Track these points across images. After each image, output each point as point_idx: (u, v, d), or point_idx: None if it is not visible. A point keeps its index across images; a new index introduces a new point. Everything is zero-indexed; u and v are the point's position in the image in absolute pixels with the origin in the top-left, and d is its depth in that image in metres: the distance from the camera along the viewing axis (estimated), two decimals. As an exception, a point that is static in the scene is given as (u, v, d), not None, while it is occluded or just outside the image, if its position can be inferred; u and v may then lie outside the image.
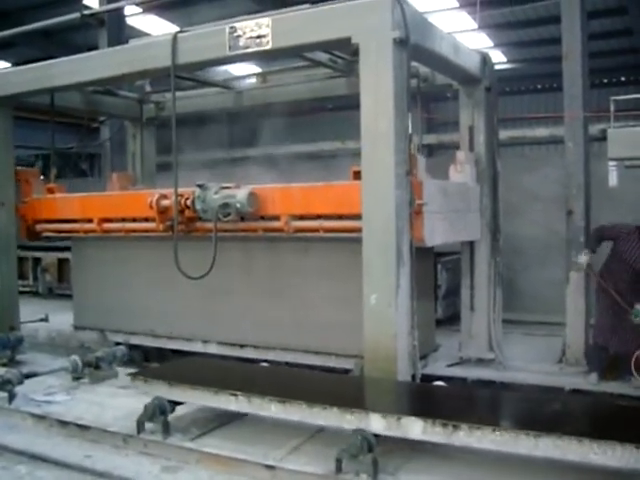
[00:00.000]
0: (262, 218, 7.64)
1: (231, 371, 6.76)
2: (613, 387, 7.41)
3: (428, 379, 6.83)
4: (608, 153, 5.65)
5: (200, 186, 7.59)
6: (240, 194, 7.38)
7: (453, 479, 4.68)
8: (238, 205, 7.35)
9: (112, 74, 7.93)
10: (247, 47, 6.69)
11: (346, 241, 7.11)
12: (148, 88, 10.74)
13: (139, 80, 10.18)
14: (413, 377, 6.36)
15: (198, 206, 7.58)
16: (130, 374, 6.17)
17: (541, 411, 5.03)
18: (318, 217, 7.30)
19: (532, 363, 8.29)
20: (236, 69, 11.88)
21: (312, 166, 13.42)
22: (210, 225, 7.55)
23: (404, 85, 6.20)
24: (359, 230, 6.35)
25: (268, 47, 6.61)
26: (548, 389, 7.55)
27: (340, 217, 7.12)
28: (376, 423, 4.75)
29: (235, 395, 5.39)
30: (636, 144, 5.70)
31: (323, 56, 7.98)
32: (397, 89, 6.06)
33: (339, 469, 4.70)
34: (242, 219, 7.60)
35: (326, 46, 7.24)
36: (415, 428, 4.62)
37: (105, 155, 13.49)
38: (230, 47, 6.78)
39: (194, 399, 5.70)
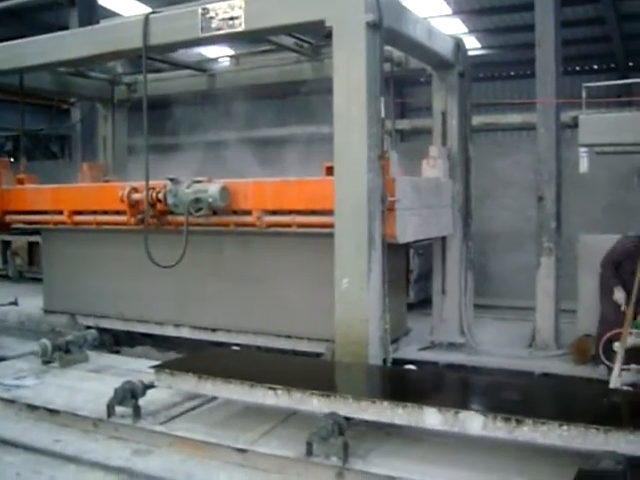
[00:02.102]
0: (234, 213, 7.61)
1: (252, 362, 6.55)
2: (582, 371, 7.49)
3: (399, 363, 6.87)
4: (579, 139, 5.69)
5: (172, 180, 7.52)
6: (212, 189, 7.34)
7: (422, 461, 4.69)
8: (210, 200, 7.31)
9: (83, 55, 7.83)
10: (219, 29, 6.64)
11: (319, 236, 7.07)
12: (120, 69, 10.63)
13: (110, 61, 10.06)
14: (384, 361, 6.39)
15: (170, 200, 7.51)
16: (154, 367, 5.88)
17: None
18: (291, 212, 7.29)
19: (503, 347, 8.39)
20: (209, 51, 11.78)
21: (289, 150, 13.37)
22: (182, 219, 7.52)
23: (377, 69, 6.19)
24: (332, 226, 6.36)
25: (241, 29, 6.56)
26: (518, 373, 7.63)
27: (313, 212, 7.11)
28: (431, 418, 4.59)
29: (274, 389, 5.16)
30: (606, 131, 5.74)
31: (289, 40, 7.95)
32: (370, 73, 6.06)
33: (310, 452, 4.70)
34: (214, 213, 7.57)
35: (299, 29, 7.22)
36: (475, 423, 4.48)
37: (76, 137, 13.33)
38: (202, 29, 6.72)
39: (227, 393, 5.46)
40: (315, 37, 8.04)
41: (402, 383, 5.70)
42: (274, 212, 7.38)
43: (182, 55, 9.80)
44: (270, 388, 5.15)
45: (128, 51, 7.57)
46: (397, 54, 8.32)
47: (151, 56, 8.02)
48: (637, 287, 5.71)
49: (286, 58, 9.13)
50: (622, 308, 6.70)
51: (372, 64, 6.10)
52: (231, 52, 11.40)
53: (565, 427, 4.21)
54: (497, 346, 8.39)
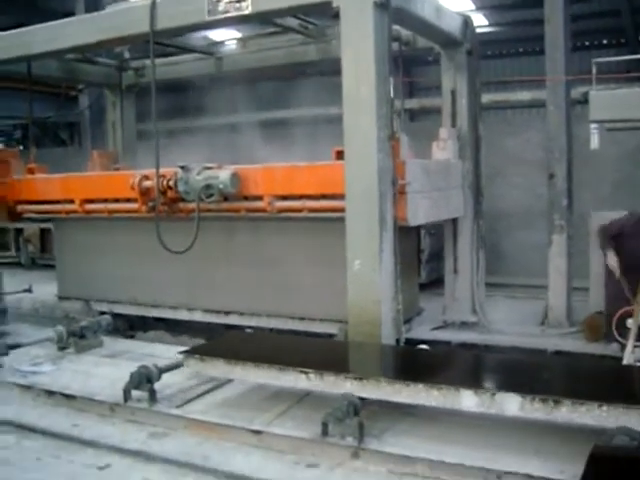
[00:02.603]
0: (245, 198, 7.62)
1: (279, 345, 6.50)
2: (595, 349, 7.49)
3: (412, 343, 6.89)
4: (589, 116, 5.65)
5: (182, 167, 7.54)
6: (223, 175, 7.35)
7: (437, 440, 4.71)
8: (221, 186, 7.33)
9: (90, 41, 7.84)
10: (226, 12, 6.62)
11: (330, 220, 7.07)
12: (127, 55, 10.61)
13: (118, 47, 10.05)
14: (397, 341, 6.41)
15: (181, 188, 7.54)
16: (182, 352, 5.82)
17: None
18: (301, 197, 7.30)
19: (515, 325, 8.37)
20: (216, 35, 11.74)
21: (297, 132, 13.36)
22: (193, 206, 7.54)
23: (385, 49, 6.17)
24: (342, 210, 6.36)
25: (247, 12, 6.54)
26: (531, 351, 7.63)
27: (324, 197, 7.12)
28: (467, 400, 4.56)
29: (306, 373, 5.08)
30: (617, 107, 5.70)
31: (295, 22, 7.92)
32: (378, 53, 6.04)
33: (325, 433, 4.73)
34: (225, 199, 7.57)
35: (306, 10, 7.19)
36: (512, 405, 4.44)
37: (84, 124, 13.37)
38: (209, 12, 6.71)
39: (257, 377, 5.42)
40: (320, 18, 7.99)
41: (425, 363, 5.73)
42: (285, 197, 7.39)
43: (189, 39, 9.80)
44: (302, 372, 5.09)
45: (135, 36, 7.56)
46: (405, 33, 8.29)
47: (158, 41, 8.01)
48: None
49: (292, 40, 9.10)
50: (616, 275, 6.67)
51: (380, 44, 6.07)
52: (238, 35, 11.36)
53: (605, 407, 4.18)
54: (509, 324, 8.38)
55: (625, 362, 5.61)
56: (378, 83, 6.02)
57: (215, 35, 11.19)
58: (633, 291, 6.52)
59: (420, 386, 4.70)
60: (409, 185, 6.49)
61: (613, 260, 6.90)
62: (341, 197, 6.41)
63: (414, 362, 5.79)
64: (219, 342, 6.84)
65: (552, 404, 4.29)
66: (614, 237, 6.99)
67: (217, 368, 5.58)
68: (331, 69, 7.32)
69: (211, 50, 10.12)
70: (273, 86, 13.41)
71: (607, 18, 13.45)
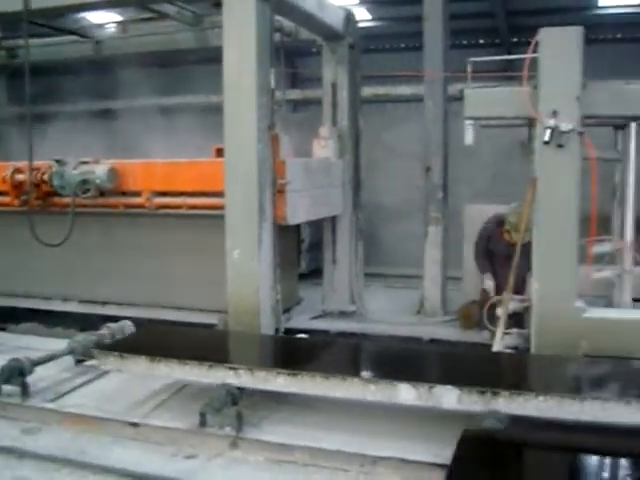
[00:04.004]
0: (123, 194, 7.51)
1: (203, 339, 6.22)
2: (468, 336, 7.76)
3: (292, 332, 6.96)
4: (464, 112, 5.84)
5: (58, 161, 7.31)
6: (100, 170, 7.22)
7: (315, 427, 4.79)
8: (98, 181, 7.21)
9: (-42, 18, 7.46)
10: (105, -7, 6.47)
11: (210, 218, 7.05)
12: (-1, 34, 10.17)
13: (-11, 25, 9.61)
14: (277, 330, 6.46)
15: (56, 182, 7.35)
16: (96, 348, 5.58)
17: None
18: (181, 194, 7.27)
19: (392, 314, 8.58)
20: (96, 17, 11.40)
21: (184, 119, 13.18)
22: (68, 200, 7.35)
23: (267, 39, 6.20)
24: (222, 208, 6.35)
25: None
26: (407, 339, 7.84)
27: (204, 194, 7.11)
28: (405, 393, 4.53)
29: (235, 369, 4.92)
30: (491, 104, 5.90)
31: (172, 9, 7.83)
32: (260, 43, 6.05)
33: (203, 423, 4.72)
34: (102, 194, 7.43)
35: (190, -3, 7.10)
36: (450, 398, 4.44)
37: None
38: (87, -7, 6.53)
39: (183, 374, 5.13)
40: (199, 6, 7.92)
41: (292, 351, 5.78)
42: (164, 193, 7.33)
43: (68, 21, 9.49)
44: (231, 368, 4.94)
45: (8, 14, 7.24)
46: (287, 24, 8.30)
47: (34, 20, 7.70)
48: (517, 256, 5.96)
49: (173, 26, 8.97)
50: (490, 295, 6.99)
51: (262, 34, 6.09)
52: (119, 18, 11.08)
53: (542, 398, 4.29)
54: (387, 313, 8.58)
55: (495, 349, 5.86)
56: (259, 73, 6.04)
57: (95, 18, 10.88)
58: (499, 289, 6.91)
59: (356, 380, 4.67)
60: (289, 184, 6.57)
61: (489, 284, 7.24)
62: (221, 195, 6.39)
63: (306, 351, 5.83)
64: (133, 338, 6.40)
65: (490, 395, 4.36)
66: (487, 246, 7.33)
67: (139, 366, 5.26)
68: (213, 56, 7.26)
69: (90, 33, 9.82)
70: (154, 72, 13.13)
71: (484, 19, 13.88)
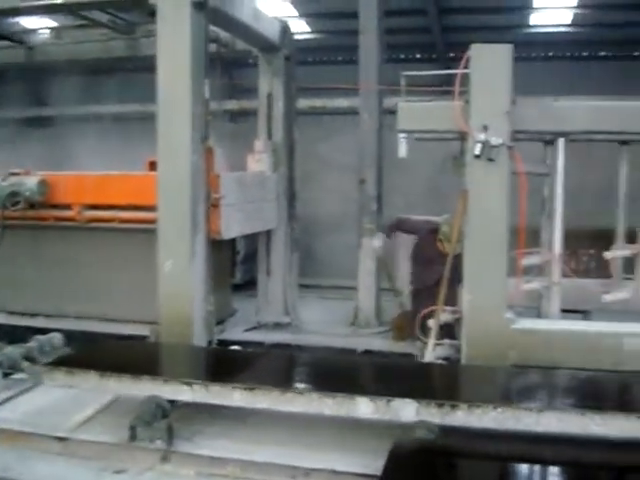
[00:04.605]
0: (54, 207, 7.40)
1: (138, 353, 6.07)
2: (401, 347, 7.81)
3: (226, 344, 6.91)
4: (397, 125, 5.91)
5: None
6: (30, 182, 7.12)
7: (247, 441, 4.78)
8: (27, 193, 7.08)
9: None
10: (40, -1, 6.37)
11: (142, 231, 6.98)
12: None
13: None
14: (210, 342, 6.40)
15: None
16: (48, 364, 5.39)
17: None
18: (113, 207, 7.20)
19: (326, 326, 8.58)
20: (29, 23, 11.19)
21: (114, 129, 12.98)
22: None
23: (202, 49, 6.19)
24: (155, 222, 6.29)
25: (60, 0, 6.34)
26: (342, 350, 7.85)
27: (136, 208, 7.05)
28: (364, 407, 4.50)
29: (189, 384, 4.83)
30: (424, 118, 5.99)
31: (104, 16, 7.76)
32: (195, 53, 6.04)
33: (133, 437, 4.65)
34: (32, 207, 7.30)
35: (121, 5, 7.06)
36: (408, 411, 4.42)
37: None
38: (21, -3, 6.42)
39: (138, 390, 4.94)
40: (133, 15, 7.85)
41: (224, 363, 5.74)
42: (95, 207, 7.23)
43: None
44: (185, 383, 4.84)
45: None
46: (224, 35, 8.30)
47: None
48: (449, 265, 6.04)
49: (107, 34, 8.86)
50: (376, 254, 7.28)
51: (197, 44, 6.08)
52: (53, 24, 10.89)
53: (500, 410, 4.32)
54: (321, 324, 8.58)
55: (426, 360, 5.91)
56: (193, 83, 6.01)
57: (28, 23, 10.67)
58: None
59: (314, 395, 4.64)
60: (223, 198, 6.55)
61: (377, 243, 7.45)
62: (154, 209, 6.32)
63: (242, 362, 5.79)
64: (81, 353, 6.15)
65: (449, 408, 4.37)
66: (412, 233, 7.48)
67: (89, 382, 5.08)
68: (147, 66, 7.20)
69: (23, 39, 9.62)
70: (89, 80, 12.93)
71: (421, 34, 14.09)
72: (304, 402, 4.63)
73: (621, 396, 5.13)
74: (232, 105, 14.48)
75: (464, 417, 4.35)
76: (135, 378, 4.96)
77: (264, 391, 4.70)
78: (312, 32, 15.86)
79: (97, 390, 5.20)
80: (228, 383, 4.84)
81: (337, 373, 5.47)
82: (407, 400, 4.44)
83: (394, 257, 7.82)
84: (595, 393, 4.97)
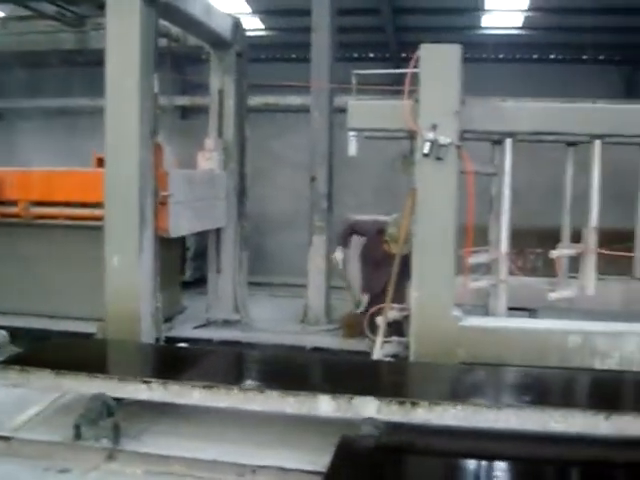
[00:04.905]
0: (0, 203, 7.32)
1: (88, 349, 5.99)
2: (350, 345, 7.84)
3: (174, 341, 6.86)
4: (347, 124, 5.93)
5: None
6: None
7: (195, 438, 4.76)
8: None
9: None
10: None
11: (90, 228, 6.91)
12: None
13: None
14: (157, 339, 6.35)
15: None
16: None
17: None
18: (60, 204, 7.12)
19: (276, 323, 8.58)
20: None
21: (61, 123, 12.76)
22: None
23: (152, 43, 6.14)
24: (102, 219, 6.22)
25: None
26: (291, 347, 7.85)
27: (83, 205, 6.98)
28: (325, 405, 4.53)
29: (147, 382, 4.77)
30: (374, 116, 6.01)
31: (52, 8, 7.64)
32: (144, 47, 5.99)
33: (78, 436, 4.60)
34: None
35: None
36: (369, 408, 4.44)
37: None
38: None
39: (95, 389, 4.83)
40: (82, 8, 7.74)
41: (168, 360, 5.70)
42: (42, 203, 7.12)
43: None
44: (143, 382, 4.78)
45: None
46: (175, 30, 8.23)
47: None
48: (397, 265, 6.08)
49: (55, 26, 8.71)
50: (339, 267, 7.31)
51: (146, 38, 6.03)
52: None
53: (460, 407, 4.38)
54: (271, 322, 8.57)
55: (374, 357, 5.95)
56: (142, 77, 5.96)
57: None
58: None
59: (274, 393, 4.62)
60: (172, 196, 6.49)
61: (339, 256, 7.37)
62: (101, 206, 6.25)
63: (191, 360, 5.80)
64: (30, 351, 6.09)
65: (410, 406, 4.41)
66: (362, 235, 7.50)
67: (44, 380, 5.00)
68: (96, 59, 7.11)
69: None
70: (34, 73, 12.69)
71: (374, 33, 14.15)
72: (265, 400, 4.65)
73: (570, 392, 5.30)
74: (184, 101, 14.38)
75: (425, 414, 4.41)
76: (91, 376, 4.91)
77: (224, 389, 4.69)
78: (265, 29, 15.83)
79: (52, 389, 5.15)
80: (187, 382, 4.83)
81: (288, 371, 5.48)
82: (368, 398, 4.49)
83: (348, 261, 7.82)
84: (544, 390, 5.06)
